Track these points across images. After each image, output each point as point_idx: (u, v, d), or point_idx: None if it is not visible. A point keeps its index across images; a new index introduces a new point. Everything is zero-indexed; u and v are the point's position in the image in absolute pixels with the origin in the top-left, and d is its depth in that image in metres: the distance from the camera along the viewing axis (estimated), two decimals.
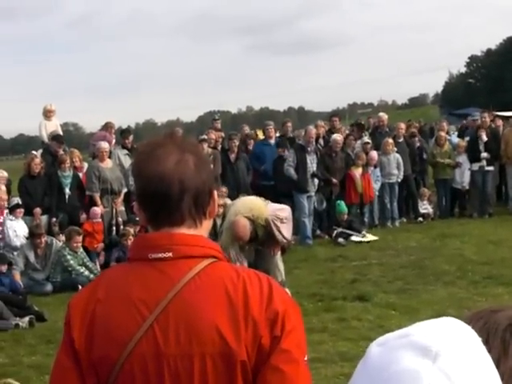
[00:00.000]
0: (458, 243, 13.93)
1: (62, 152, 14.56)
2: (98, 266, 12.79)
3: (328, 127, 17.89)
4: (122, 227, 13.68)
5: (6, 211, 12.94)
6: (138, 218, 13.49)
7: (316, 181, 15.16)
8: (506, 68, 77.14)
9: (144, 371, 1.94)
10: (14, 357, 8.45)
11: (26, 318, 9.83)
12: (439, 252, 13.14)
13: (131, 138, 15.62)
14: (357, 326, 8.76)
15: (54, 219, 13.50)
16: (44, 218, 13.45)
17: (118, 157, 14.99)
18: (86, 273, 12.12)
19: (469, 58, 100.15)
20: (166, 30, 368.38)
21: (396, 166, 16.50)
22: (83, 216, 13.59)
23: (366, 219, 16.29)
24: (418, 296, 10.07)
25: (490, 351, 1.13)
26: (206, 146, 14.91)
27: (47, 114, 15.66)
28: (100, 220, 13.56)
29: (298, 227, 15.18)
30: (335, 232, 14.95)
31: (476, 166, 16.99)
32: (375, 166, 16.29)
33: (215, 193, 2.16)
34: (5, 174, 14.29)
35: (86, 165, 15.13)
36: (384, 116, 18.50)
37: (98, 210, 13.55)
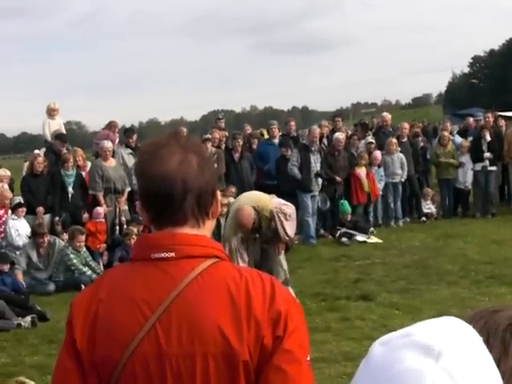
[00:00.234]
0: (461, 243, 13.93)
1: (65, 151, 14.56)
2: (102, 266, 12.79)
3: (331, 127, 17.89)
4: (125, 226, 13.68)
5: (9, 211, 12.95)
6: (141, 217, 13.58)
7: (320, 180, 15.17)
8: (509, 68, 77.08)
9: (146, 371, 1.93)
10: (16, 357, 8.45)
11: (29, 318, 9.83)
12: (442, 252, 13.13)
13: (135, 137, 15.61)
14: (360, 326, 8.76)
15: (57, 218, 13.49)
16: (47, 217, 13.45)
17: (122, 156, 14.99)
18: (89, 272, 12.11)
19: (472, 58, 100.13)
20: (170, 30, 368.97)
21: (400, 165, 16.50)
22: (85, 215, 13.58)
23: (371, 218, 16.29)
24: (421, 296, 10.06)
25: (490, 351, 1.13)
26: (209, 145, 14.92)
27: (51, 112, 15.67)
28: (103, 220, 13.56)
29: (301, 227, 15.20)
30: (339, 232, 14.94)
31: (479, 166, 16.99)
32: (379, 166, 16.29)
33: (218, 193, 2.16)
34: (7, 172, 14.32)
35: (89, 164, 15.14)
36: (388, 116, 18.48)
37: (100, 209, 13.54)
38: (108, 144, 14.24)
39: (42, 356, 8.31)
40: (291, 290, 7.38)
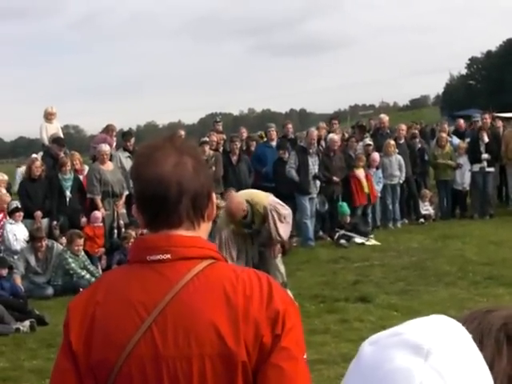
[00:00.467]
0: (459, 244, 13.94)
1: (62, 155, 14.56)
2: (100, 270, 12.77)
3: (328, 129, 17.91)
4: (123, 230, 13.67)
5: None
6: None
7: (318, 183, 15.18)
8: (507, 70, 77.20)
9: (142, 373, 1.94)
10: (14, 361, 8.43)
11: (27, 322, 9.81)
12: (440, 253, 13.14)
13: (133, 140, 15.60)
14: (359, 328, 8.76)
15: (55, 222, 13.48)
16: (45, 221, 13.43)
17: (120, 159, 14.98)
18: (88, 276, 12.10)
19: (469, 59, 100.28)
20: (169, 31, 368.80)
21: (398, 167, 16.52)
22: (83, 219, 13.57)
23: (369, 220, 16.30)
24: (419, 297, 10.07)
25: (483, 351, 1.13)
26: (207, 148, 14.93)
27: (48, 116, 15.67)
28: (101, 224, 13.54)
29: (299, 229, 15.22)
30: (337, 234, 14.95)
31: (477, 167, 17.01)
32: (377, 168, 16.30)
33: (214, 195, 2.16)
34: (5, 177, 14.32)
35: (86, 168, 15.13)
36: (385, 117, 18.52)
37: (98, 214, 13.53)
38: (105, 147, 14.24)
39: (40, 360, 8.29)
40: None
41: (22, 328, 9.70)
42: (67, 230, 13.02)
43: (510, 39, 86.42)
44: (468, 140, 17.94)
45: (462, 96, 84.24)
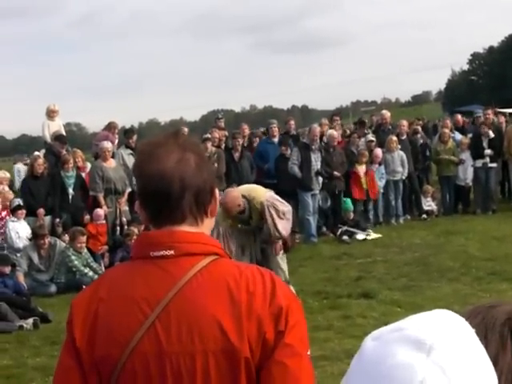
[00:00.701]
0: (462, 240, 13.93)
1: (64, 152, 14.56)
2: (103, 267, 12.77)
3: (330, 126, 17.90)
4: (126, 227, 13.67)
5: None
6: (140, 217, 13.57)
7: (320, 179, 15.17)
8: (508, 65, 77.13)
9: (146, 369, 1.94)
10: (18, 358, 8.43)
11: (30, 320, 9.82)
12: (443, 249, 13.13)
13: (135, 137, 15.60)
14: (362, 324, 8.75)
15: (58, 220, 13.49)
16: (47, 218, 13.44)
17: (122, 157, 14.98)
18: (91, 273, 12.10)
19: (471, 55, 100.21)
20: (169, 29, 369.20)
21: (400, 163, 16.50)
22: (87, 217, 13.57)
23: (370, 216, 16.28)
24: (422, 293, 10.06)
25: (488, 346, 1.13)
26: (209, 144, 14.92)
27: (50, 114, 15.66)
28: (104, 222, 13.54)
29: (302, 225, 15.22)
30: (340, 230, 14.95)
31: (479, 163, 16.98)
32: (380, 164, 16.29)
33: (217, 191, 2.16)
34: (7, 174, 14.33)
35: (89, 165, 15.13)
36: (387, 114, 18.49)
37: (101, 211, 13.53)
38: (107, 145, 14.24)
39: (44, 357, 8.29)
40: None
41: (25, 325, 9.71)
42: (70, 227, 13.02)
43: (511, 35, 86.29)
44: (470, 135, 17.90)
45: (463, 92, 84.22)
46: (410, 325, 1.07)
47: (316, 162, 15.00)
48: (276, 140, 16.49)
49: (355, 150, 16.57)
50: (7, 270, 11.06)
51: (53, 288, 11.94)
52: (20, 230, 12.66)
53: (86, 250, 12.46)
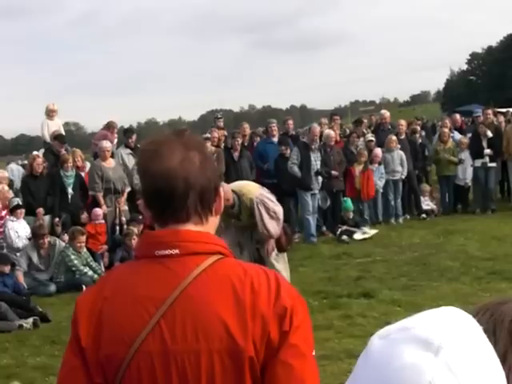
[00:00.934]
0: (461, 239, 13.94)
1: (64, 152, 14.56)
2: (103, 267, 12.78)
3: (330, 125, 17.91)
4: (125, 227, 13.67)
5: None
6: (141, 217, 13.57)
7: (320, 178, 15.16)
8: (507, 65, 77.13)
9: (151, 368, 1.94)
10: (18, 358, 8.44)
11: (30, 319, 9.82)
12: (443, 248, 13.14)
13: (134, 137, 15.60)
14: (362, 323, 8.76)
15: (57, 219, 13.48)
16: (46, 218, 13.43)
17: (122, 156, 14.99)
18: (90, 273, 12.11)
19: (470, 55, 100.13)
20: (168, 29, 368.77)
21: (399, 162, 16.51)
22: (83, 216, 13.52)
23: (366, 217, 16.25)
24: (422, 292, 10.06)
25: (496, 343, 1.13)
26: (209, 144, 14.91)
27: (50, 113, 15.66)
28: (103, 221, 13.54)
29: (302, 225, 15.23)
30: (339, 230, 14.96)
31: (478, 163, 16.98)
32: (379, 163, 16.29)
33: (221, 190, 2.16)
34: (6, 174, 14.32)
35: (88, 164, 15.13)
36: (386, 113, 18.50)
37: (99, 211, 13.53)
38: (106, 144, 14.24)
39: (44, 357, 8.31)
40: None
41: (25, 325, 9.71)
42: (69, 226, 13.02)
43: (510, 34, 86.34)
44: (470, 135, 17.90)
45: (462, 92, 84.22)
46: (418, 324, 1.06)
47: (316, 161, 14.99)
48: (275, 140, 16.47)
49: (354, 149, 16.58)
50: (7, 269, 11.05)
51: (52, 287, 11.94)
52: (19, 230, 12.65)
53: (85, 250, 12.46)
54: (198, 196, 2.04)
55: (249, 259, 8.45)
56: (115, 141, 16.09)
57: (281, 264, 8.98)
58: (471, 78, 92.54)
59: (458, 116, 20.35)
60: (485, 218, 16.31)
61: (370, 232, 15.04)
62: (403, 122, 18.07)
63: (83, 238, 12.34)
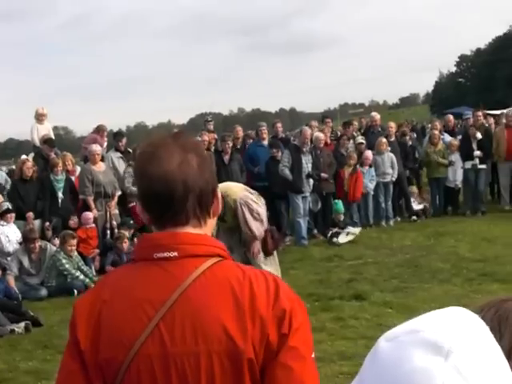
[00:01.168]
0: (452, 241, 13.96)
1: (53, 155, 14.52)
2: (94, 271, 12.75)
3: (321, 128, 17.90)
4: (116, 230, 13.64)
5: None
6: (132, 222, 13.55)
7: (311, 181, 15.17)
8: (496, 67, 77.38)
9: (150, 371, 1.93)
10: (10, 362, 8.39)
11: (22, 324, 9.77)
12: (434, 250, 13.17)
13: (124, 140, 15.60)
14: (354, 325, 8.77)
15: (48, 223, 13.44)
16: (37, 222, 13.39)
17: (112, 160, 14.97)
18: (82, 277, 12.06)
19: (459, 57, 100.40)
20: (159, 32, 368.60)
21: (390, 165, 16.54)
22: (72, 221, 13.42)
23: (356, 220, 16.22)
24: (414, 294, 10.08)
25: (501, 340, 1.12)
26: None
27: (39, 117, 15.62)
28: (93, 225, 13.50)
29: (293, 228, 15.22)
30: (330, 232, 14.96)
31: (469, 165, 17.03)
32: (370, 166, 16.31)
33: (218, 192, 2.16)
34: None
35: (78, 168, 15.09)
36: (377, 116, 18.54)
37: (89, 215, 13.48)
38: (96, 148, 14.21)
39: (36, 361, 8.27)
40: None
41: (16, 329, 9.66)
42: (60, 231, 12.97)
43: (499, 36, 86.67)
44: (460, 137, 17.94)
45: (451, 94, 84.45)
46: (426, 326, 1.05)
47: (307, 164, 14.99)
48: (265, 142, 16.47)
49: (345, 151, 16.59)
50: None
51: (44, 292, 11.89)
52: (10, 234, 12.60)
53: (76, 254, 12.42)
54: (196, 199, 2.04)
55: (239, 262, 8.42)
56: (105, 144, 16.07)
57: (269, 266, 8.95)
58: (460, 80, 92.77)
59: (451, 117, 20.31)
60: (475, 220, 16.36)
61: (354, 230, 15.03)
62: (393, 125, 18.09)
63: (74, 242, 12.30)
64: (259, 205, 8.49)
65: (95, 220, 13.57)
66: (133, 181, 14.02)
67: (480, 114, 18.43)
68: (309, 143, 15.27)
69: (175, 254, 2.00)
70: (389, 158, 16.55)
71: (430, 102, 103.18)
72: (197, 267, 1.99)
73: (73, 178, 14.36)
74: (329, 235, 14.98)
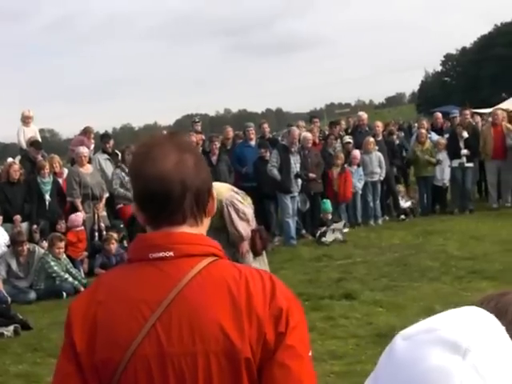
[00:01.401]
0: (440, 239, 13.99)
1: (40, 158, 14.47)
2: (83, 273, 12.71)
3: (309, 128, 17.92)
4: (104, 232, 13.60)
5: None
6: (122, 225, 13.52)
7: (299, 181, 15.17)
8: (481, 66, 77.64)
9: (148, 372, 1.92)
10: (0, 366, 8.36)
11: (11, 327, 9.73)
12: (423, 248, 13.20)
13: (112, 142, 15.59)
14: (345, 324, 8.79)
15: (35, 226, 13.39)
16: (24, 225, 13.34)
17: (99, 162, 14.94)
18: (71, 279, 12.02)
19: (444, 56, 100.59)
20: (143, 33, 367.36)
21: (378, 164, 16.56)
22: (59, 226, 13.35)
23: (343, 219, 16.22)
24: (403, 292, 10.10)
25: None
26: None
27: (25, 119, 15.57)
28: (82, 228, 13.45)
29: (282, 228, 15.22)
30: (319, 232, 14.96)
31: (456, 163, 17.07)
32: (358, 165, 16.33)
33: (214, 191, 2.15)
34: None
35: (66, 171, 15.04)
36: (364, 115, 18.56)
37: (77, 217, 13.42)
38: (83, 150, 14.18)
39: (26, 365, 8.24)
40: None
41: (6, 333, 9.62)
42: (48, 233, 12.93)
43: (484, 35, 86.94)
44: (447, 136, 17.98)
45: (437, 93, 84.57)
46: (443, 325, 1.04)
47: (295, 164, 15.00)
48: (253, 143, 16.46)
49: (332, 151, 16.60)
50: None
51: (32, 295, 11.84)
52: None
53: (65, 256, 12.38)
54: (194, 198, 2.04)
55: None
56: (92, 146, 16.03)
57: (258, 266, 8.93)
58: (446, 79, 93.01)
59: (439, 114, 20.31)
60: (463, 218, 16.41)
61: (339, 225, 15.03)
62: (380, 124, 18.11)
63: (62, 245, 12.26)
64: (245, 205, 8.48)
65: (83, 222, 13.52)
66: (120, 183, 14.00)
67: (468, 112, 18.48)
68: (297, 143, 15.27)
69: (171, 253, 1.99)
70: (376, 157, 16.57)
71: (416, 101, 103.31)
72: (193, 267, 1.98)
73: (60, 181, 14.31)
74: (317, 235, 14.99)
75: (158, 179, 1.99)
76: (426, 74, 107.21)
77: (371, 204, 16.69)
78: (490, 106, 27.78)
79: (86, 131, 16.08)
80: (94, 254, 13.13)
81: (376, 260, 12.56)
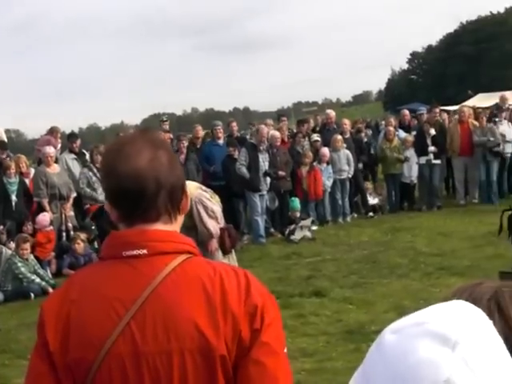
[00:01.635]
0: (408, 236, 14.08)
1: (6, 158, 14.32)
2: (50, 274, 12.60)
3: (277, 127, 17.94)
4: (71, 232, 13.50)
5: None
6: (94, 227, 13.41)
7: (268, 179, 15.17)
8: (447, 64, 78.20)
9: (122, 371, 1.91)
10: None
11: None
12: (391, 245, 13.26)
13: (79, 142, 15.47)
14: (315, 322, 8.81)
15: (1, 227, 13.25)
16: None
17: (66, 161, 14.83)
18: (38, 280, 11.91)
19: (410, 54, 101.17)
20: (108, 33, 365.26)
21: (346, 161, 16.59)
22: (26, 227, 13.20)
23: (312, 217, 16.24)
24: (373, 289, 10.15)
25: None
26: None
27: None
28: (52, 228, 13.33)
29: (250, 226, 15.21)
30: (288, 230, 14.98)
31: (423, 160, 17.17)
32: (327, 163, 16.36)
33: (187, 188, 2.13)
34: None
35: (32, 171, 14.91)
36: (332, 113, 18.60)
37: (44, 217, 13.29)
38: (50, 150, 14.05)
39: None
40: None
41: None
42: (15, 234, 12.80)
43: (449, 33, 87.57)
44: (414, 133, 18.08)
45: (404, 91, 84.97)
46: (431, 318, 1.04)
47: (264, 162, 15.00)
48: (221, 142, 16.43)
49: (301, 149, 16.62)
50: None
51: (0, 296, 11.72)
52: None
53: (32, 257, 12.26)
54: (168, 195, 2.02)
55: None
56: (59, 146, 15.89)
57: (234, 264, 8.94)
58: (412, 77, 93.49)
59: (406, 111, 20.40)
60: (431, 215, 16.51)
61: (306, 222, 15.06)
62: (347, 121, 18.18)
63: (27, 246, 12.11)
64: (213, 202, 8.48)
65: (51, 222, 13.41)
66: (87, 182, 13.89)
67: (437, 110, 18.62)
68: (266, 141, 15.27)
69: (144, 251, 1.97)
70: (344, 154, 16.61)
71: (382, 99, 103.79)
72: (167, 264, 1.97)
73: (27, 181, 14.18)
74: (286, 233, 15.00)
75: (131, 176, 1.97)
76: (392, 72, 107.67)
77: (340, 201, 16.72)
78: (457, 104, 28.02)
79: (53, 131, 15.94)
80: (62, 255, 13.02)
81: (345, 257, 12.60)
